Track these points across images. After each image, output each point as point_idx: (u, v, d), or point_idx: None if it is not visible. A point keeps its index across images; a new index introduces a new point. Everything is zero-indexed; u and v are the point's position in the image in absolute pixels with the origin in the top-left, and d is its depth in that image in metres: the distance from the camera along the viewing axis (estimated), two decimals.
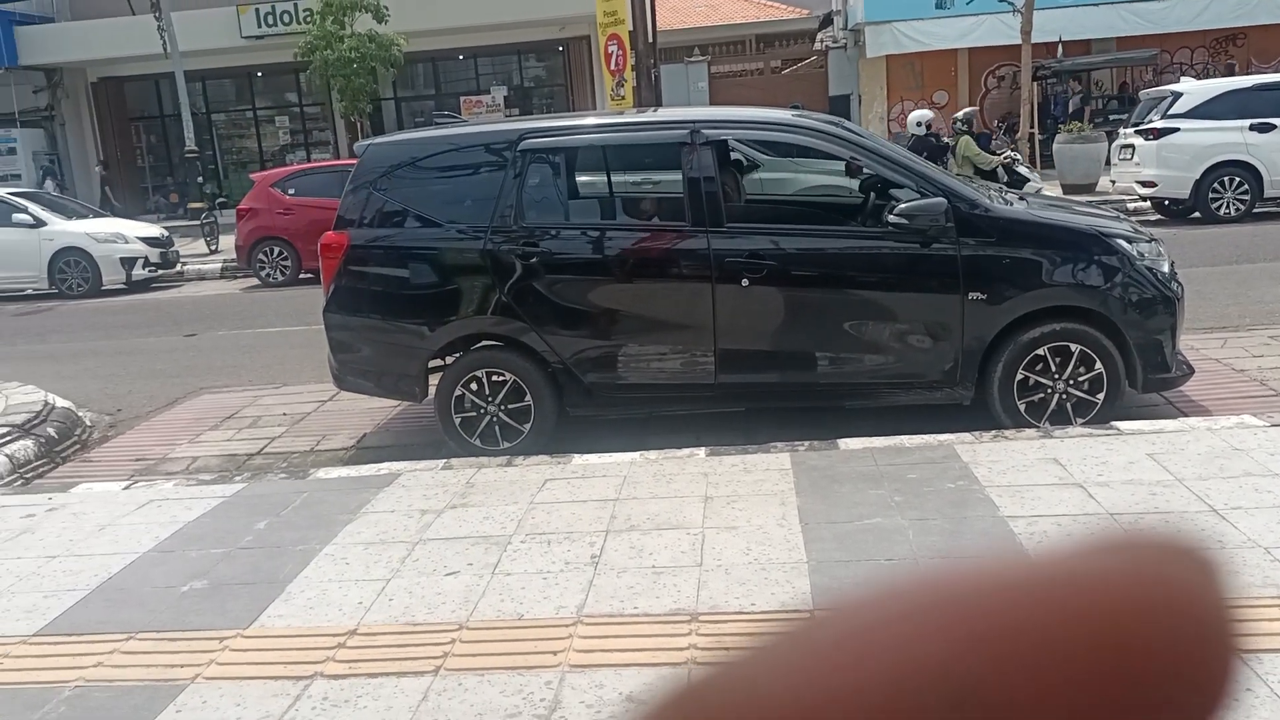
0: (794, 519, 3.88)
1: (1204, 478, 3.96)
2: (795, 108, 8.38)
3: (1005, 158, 12.30)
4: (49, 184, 21.49)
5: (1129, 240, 5.12)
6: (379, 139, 5.98)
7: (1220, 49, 21.09)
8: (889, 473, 4.29)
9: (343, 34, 19.10)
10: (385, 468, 4.94)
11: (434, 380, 5.55)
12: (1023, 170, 12.32)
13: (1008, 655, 0.20)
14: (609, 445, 5.12)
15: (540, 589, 3.45)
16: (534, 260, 5.26)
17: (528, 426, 5.37)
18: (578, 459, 4.81)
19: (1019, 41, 17.57)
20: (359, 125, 20.68)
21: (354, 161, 5.88)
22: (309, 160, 21.83)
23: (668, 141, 5.53)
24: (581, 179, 6.65)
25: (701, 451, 4.77)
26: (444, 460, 4.98)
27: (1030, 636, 0.20)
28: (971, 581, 0.21)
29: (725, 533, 3.80)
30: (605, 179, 6.87)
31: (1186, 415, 5.21)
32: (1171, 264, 5.26)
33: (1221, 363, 6.23)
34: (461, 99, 24.01)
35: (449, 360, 5.55)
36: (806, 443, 4.78)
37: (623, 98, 16.47)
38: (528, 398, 5.35)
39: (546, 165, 5.58)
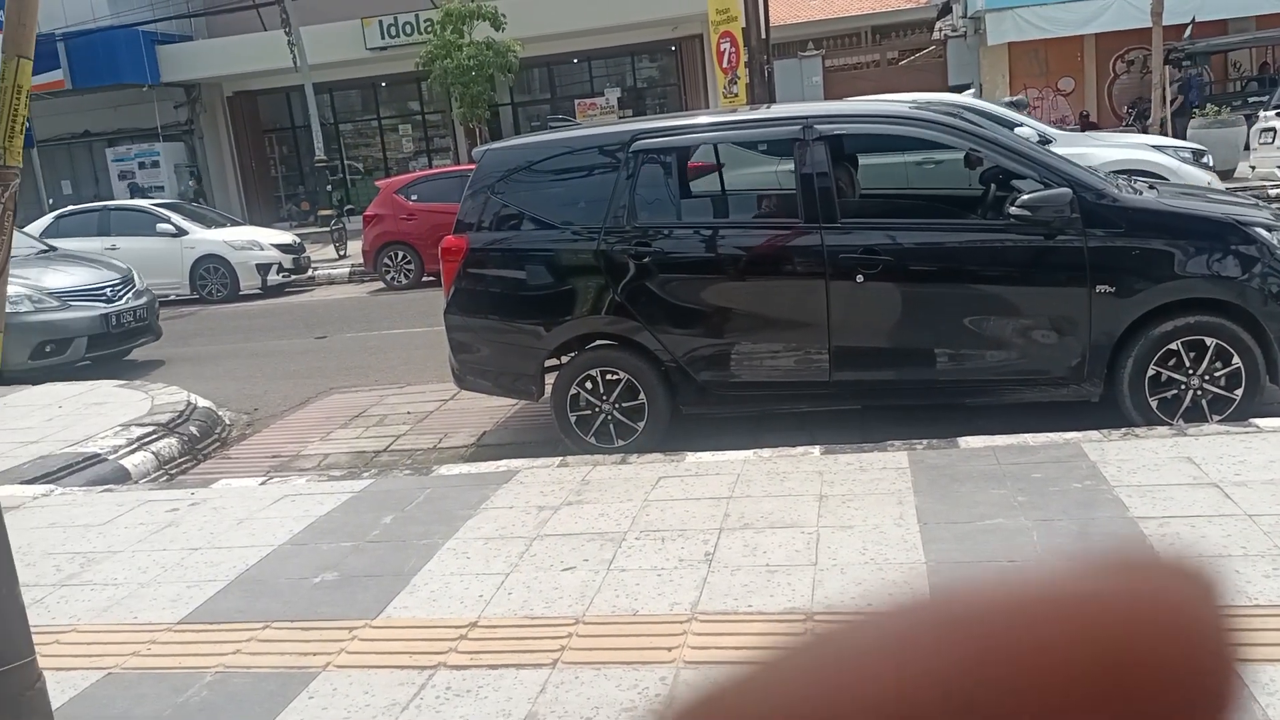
0: (912, 518, 3.81)
1: None
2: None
3: None
4: None
5: (1269, 229, 4.86)
6: (496, 144, 6.13)
7: None
8: (1012, 472, 4.18)
9: (461, 42, 19.56)
10: (504, 465, 5.05)
11: (550, 379, 5.65)
12: None
13: (1008, 675, 0.20)
14: (722, 443, 5.12)
15: (655, 585, 3.48)
16: (647, 260, 5.31)
17: (641, 424, 5.41)
18: (691, 457, 4.83)
19: (1149, 24, 16.82)
20: (478, 131, 21.15)
21: (473, 167, 6.03)
22: (430, 167, 22.44)
23: (780, 138, 5.51)
24: (694, 178, 6.67)
25: (816, 450, 4.74)
26: (560, 458, 5.06)
27: (1030, 656, 0.20)
28: (973, 600, 0.21)
29: (840, 532, 3.76)
30: (718, 177, 6.88)
31: None
32: None
33: None
34: (576, 102, 24.31)
35: (565, 360, 5.64)
36: (925, 441, 4.68)
37: (735, 95, 16.41)
38: (641, 396, 5.39)
39: (659, 165, 5.61)
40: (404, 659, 3.15)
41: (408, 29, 22.50)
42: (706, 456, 4.81)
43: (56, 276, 9.79)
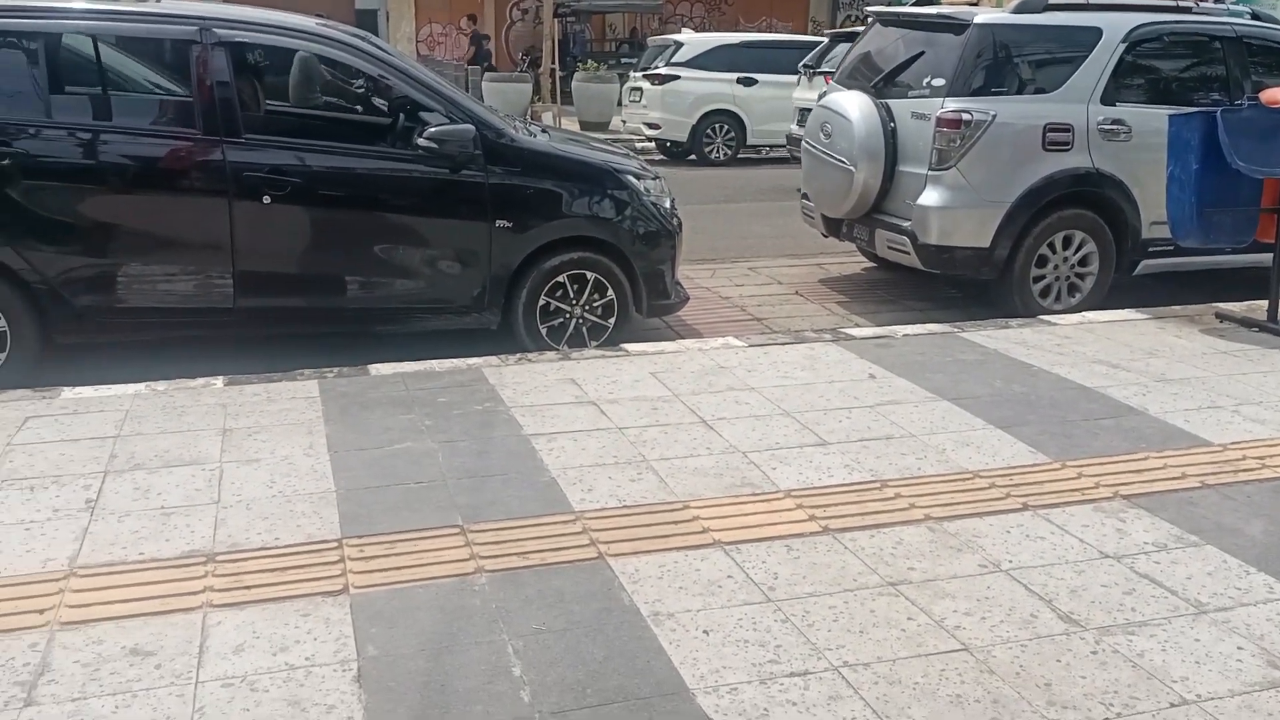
0: (322, 448, 3.77)
1: (696, 393, 4.46)
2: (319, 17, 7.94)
3: None
4: None
5: (638, 177, 5.54)
6: None
7: (715, 5, 23.41)
8: (420, 397, 4.32)
9: None
10: None
11: None
12: None
13: None
14: (109, 376, 4.60)
15: (21, 541, 3.03)
16: (7, 162, 4.52)
17: (2, 356, 4.65)
18: (68, 392, 4.27)
19: None
20: None
21: None
22: None
23: (175, 38, 5.00)
24: (70, 71, 5.78)
25: (219, 381, 4.45)
26: None
27: None
28: None
29: (246, 466, 3.60)
30: (99, 74, 6.03)
31: (682, 338, 5.82)
32: (672, 200, 5.79)
33: (711, 290, 7.04)
34: None
35: None
36: (336, 369, 4.65)
37: None
38: (2, 322, 4.62)
39: (22, 51, 4.78)
40: None
41: None
42: (88, 391, 4.28)
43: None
